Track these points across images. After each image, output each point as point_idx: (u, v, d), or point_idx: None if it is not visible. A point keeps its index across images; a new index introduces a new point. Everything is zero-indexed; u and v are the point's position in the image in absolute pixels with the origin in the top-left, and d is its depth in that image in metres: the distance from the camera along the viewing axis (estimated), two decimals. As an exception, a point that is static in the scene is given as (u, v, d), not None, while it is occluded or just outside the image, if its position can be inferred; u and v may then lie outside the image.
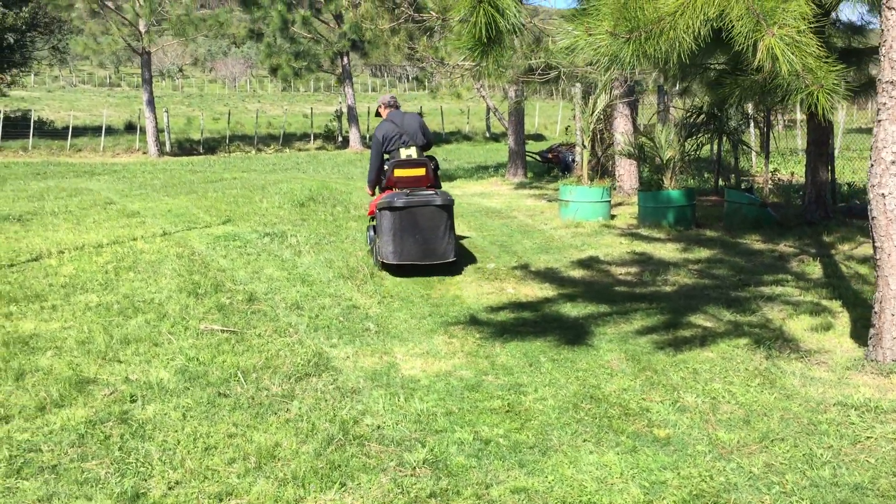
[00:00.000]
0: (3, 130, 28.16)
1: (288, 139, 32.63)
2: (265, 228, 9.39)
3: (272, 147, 30.83)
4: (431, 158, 7.91)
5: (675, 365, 4.78)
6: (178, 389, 4.32)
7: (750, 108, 12.69)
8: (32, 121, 29.44)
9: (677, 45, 3.55)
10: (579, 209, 10.51)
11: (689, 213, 9.92)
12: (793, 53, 3.40)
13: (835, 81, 3.35)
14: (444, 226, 7.38)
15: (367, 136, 33.76)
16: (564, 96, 43.91)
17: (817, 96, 3.31)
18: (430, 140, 7.97)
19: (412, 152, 7.71)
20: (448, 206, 7.44)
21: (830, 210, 9.67)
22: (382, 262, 7.38)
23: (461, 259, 7.76)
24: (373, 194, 8.09)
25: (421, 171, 7.66)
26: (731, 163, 13.19)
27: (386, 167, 7.75)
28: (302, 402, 4.19)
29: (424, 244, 7.30)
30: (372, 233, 7.99)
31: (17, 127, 29.39)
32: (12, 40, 30.90)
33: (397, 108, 8.08)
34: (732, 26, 3.58)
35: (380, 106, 8.14)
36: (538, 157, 18.93)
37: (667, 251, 8.41)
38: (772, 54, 3.46)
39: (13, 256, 7.64)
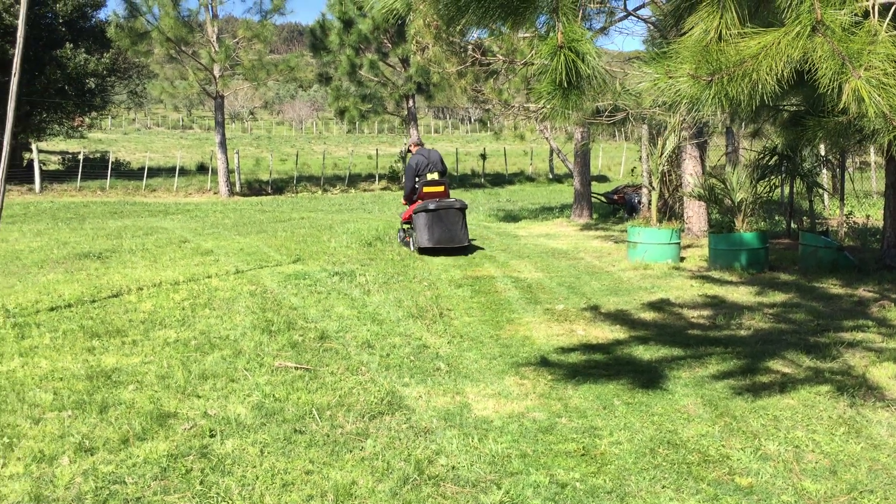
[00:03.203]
0: (83, 171, 29.32)
1: (353, 180, 33.20)
2: (334, 267, 9.53)
3: (338, 187, 31.40)
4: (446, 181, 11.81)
5: (754, 411, 4.66)
6: (256, 425, 4.38)
7: (822, 149, 12.45)
8: (110, 162, 30.59)
9: (759, 87, 3.53)
10: (648, 251, 10.40)
11: (763, 257, 9.72)
12: (879, 96, 3.34)
13: (924, 123, 3.29)
14: (461, 222, 11.14)
15: (431, 176, 34.05)
16: (628, 138, 43.79)
17: (907, 138, 3.25)
18: (445, 168, 11.79)
19: (435, 176, 11.48)
20: (463, 209, 11.25)
21: (911, 254, 9.37)
22: (420, 246, 10.97)
23: (529, 303, 7.79)
24: (406, 204, 11.72)
25: (441, 188, 11.49)
26: (803, 205, 12.92)
27: (417, 185, 11.45)
28: (376, 440, 4.20)
29: (448, 233, 10.97)
30: (402, 233, 11.97)
31: (96, 168, 30.60)
32: (93, 85, 32.28)
33: (423, 145, 11.99)
34: (816, 68, 3.54)
35: (411, 145, 12.21)
36: (604, 199, 18.86)
37: (740, 294, 8.24)
38: (857, 96, 3.41)
39: (94, 293, 7.90)
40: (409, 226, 11.64)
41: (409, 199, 11.61)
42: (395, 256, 10.70)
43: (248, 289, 8.13)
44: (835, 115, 4.26)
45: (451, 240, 10.97)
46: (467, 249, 11.41)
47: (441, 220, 10.91)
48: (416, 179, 11.46)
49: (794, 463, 3.93)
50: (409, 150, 11.89)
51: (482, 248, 12.26)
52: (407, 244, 11.60)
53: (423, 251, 11.00)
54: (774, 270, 9.67)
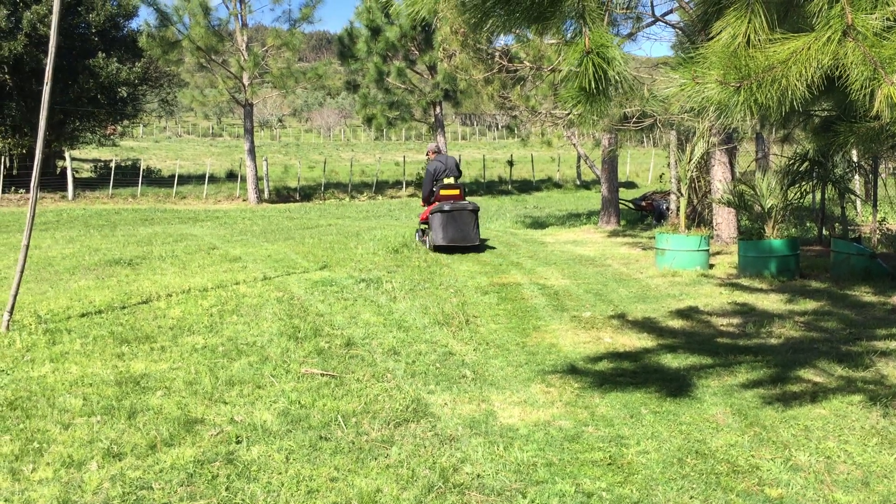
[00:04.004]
0: (115, 178, 29.71)
1: (380, 187, 33.32)
2: (361, 274, 9.56)
3: (365, 194, 31.51)
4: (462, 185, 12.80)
5: (784, 421, 4.59)
6: (281, 432, 4.39)
7: (855, 155, 12.28)
8: (141, 169, 30.97)
9: (789, 92, 3.48)
10: (676, 258, 10.31)
11: (793, 264, 9.60)
12: (912, 101, 3.28)
13: (959, 129, 3.23)
14: (473, 222, 12.04)
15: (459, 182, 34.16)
16: (657, 144, 43.52)
17: (942, 144, 3.20)
18: (460, 173, 12.84)
19: (451, 180, 12.45)
20: (475, 211, 12.15)
21: (946, 261, 9.20)
22: (435, 245, 11.88)
23: (556, 311, 7.76)
24: (424, 206, 12.69)
25: (457, 192, 12.40)
26: (835, 211, 12.75)
27: (434, 189, 12.40)
28: (401, 447, 4.20)
29: (461, 232, 11.90)
30: (420, 233, 12.89)
31: (127, 175, 31.03)
32: (125, 93, 32.75)
33: (440, 152, 13.05)
34: (847, 74, 3.49)
35: (429, 151, 13.04)
36: (631, 205, 18.74)
37: (770, 302, 8.14)
38: (890, 102, 3.36)
39: (125, 299, 7.99)
40: (426, 226, 12.55)
41: (427, 201, 12.58)
42: (421, 263, 10.70)
43: (275, 295, 8.18)
44: (867, 120, 4.20)
45: (463, 239, 11.92)
46: (478, 248, 12.40)
47: (455, 221, 11.90)
48: (434, 183, 12.47)
49: (825, 474, 3.87)
50: (428, 157, 12.98)
51: (494, 248, 12.96)
52: (424, 242, 12.52)
53: (437, 248, 11.94)
54: (805, 278, 9.54)
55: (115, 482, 3.74)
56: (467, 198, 12.98)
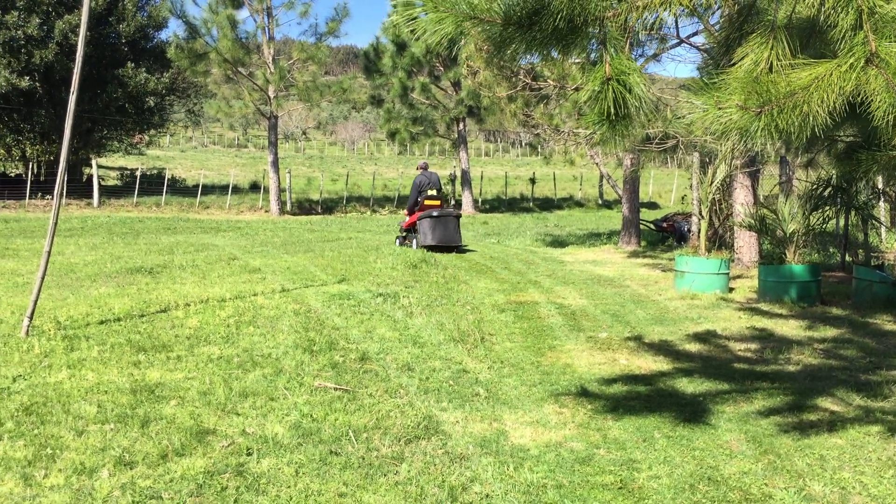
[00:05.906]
0: (140, 187, 30.03)
1: (402, 201, 33.37)
2: (378, 289, 9.57)
3: (387, 208, 31.64)
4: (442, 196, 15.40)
5: (800, 450, 4.53)
6: (292, 445, 4.40)
7: (880, 181, 12.15)
8: (166, 179, 31.28)
9: (810, 118, 3.46)
10: (696, 280, 10.24)
11: (814, 290, 9.50)
12: (936, 130, 3.25)
13: (982, 159, 3.19)
14: (456, 226, 14.55)
15: (480, 199, 34.15)
16: (680, 165, 43.31)
17: (963, 174, 3.16)
18: (441, 187, 15.10)
19: (433, 192, 14.76)
20: (458, 217, 14.79)
21: (971, 291, 9.06)
22: (423, 245, 14.11)
23: (571, 331, 7.72)
24: (407, 216, 15.15)
25: (437, 202, 14.78)
26: (858, 238, 12.61)
27: (419, 199, 14.72)
28: (411, 464, 4.18)
29: (447, 234, 14.29)
30: (400, 239, 15.30)
31: (153, 184, 31.33)
32: (153, 103, 33.13)
33: (426, 168, 15.30)
34: (870, 101, 3.47)
35: (419, 167, 15.41)
36: (653, 226, 18.66)
37: (789, 328, 8.06)
38: (916, 131, 3.33)
39: (144, 307, 8.05)
40: (407, 233, 15.08)
41: (412, 211, 14.88)
42: (439, 279, 10.70)
43: (292, 307, 8.21)
44: (889, 148, 4.16)
45: (449, 240, 14.31)
46: (461, 248, 14.81)
47: (442, 225, 14.27)
48: (419, 194, 14.73)
49: (839, 506, 3.81)
50: (417, 168, 15.56)
51: (474, 251, 15.04)
52: (405, 246, 14.68)
53: (426, 248, 14.02)
54: (826, 304, 9.43)
55: (125, 491, 3.76)
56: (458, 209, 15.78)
